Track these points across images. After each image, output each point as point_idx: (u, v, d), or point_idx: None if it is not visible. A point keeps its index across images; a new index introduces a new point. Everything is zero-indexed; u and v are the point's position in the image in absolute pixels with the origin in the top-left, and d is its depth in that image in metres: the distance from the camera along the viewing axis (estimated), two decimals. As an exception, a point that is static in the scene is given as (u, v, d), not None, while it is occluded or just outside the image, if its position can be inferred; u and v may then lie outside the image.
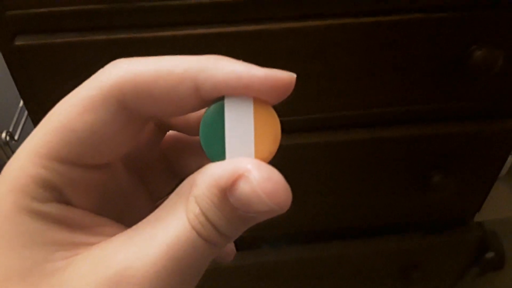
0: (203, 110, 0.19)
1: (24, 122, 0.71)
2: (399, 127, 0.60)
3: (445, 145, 0.62)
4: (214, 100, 0.18)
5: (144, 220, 0.18)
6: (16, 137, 0.70)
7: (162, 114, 0.18)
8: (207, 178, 0.17)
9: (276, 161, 0.18)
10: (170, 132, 0.24)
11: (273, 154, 0.18)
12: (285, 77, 0.17)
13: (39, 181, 0.17)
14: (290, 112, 0.56)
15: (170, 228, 0.17)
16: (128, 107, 0.17)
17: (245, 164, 0.16)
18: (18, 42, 0.47)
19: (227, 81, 0.17)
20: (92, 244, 0.18)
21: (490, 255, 0.83)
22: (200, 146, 0.18)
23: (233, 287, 0.76)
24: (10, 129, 0.70)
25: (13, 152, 0.71)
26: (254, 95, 0.17)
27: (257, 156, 0.18)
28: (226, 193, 0.16)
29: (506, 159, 0.66)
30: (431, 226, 0.77)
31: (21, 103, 0.70)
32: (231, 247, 0.24)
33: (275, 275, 0.78)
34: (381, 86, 0.56)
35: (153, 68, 0.17)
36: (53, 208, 0.17)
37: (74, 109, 0.17)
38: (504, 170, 0.88)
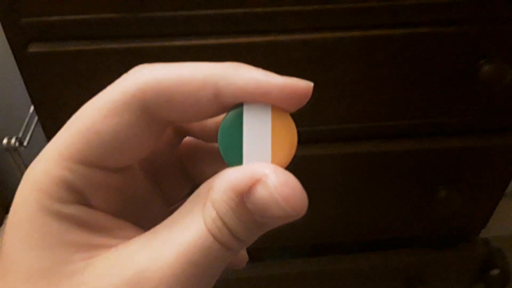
0: (220, 117, 0.19)
1: (34, 128, 0.71)
2: (406, 140, 0.60)
3: (452, 160, 0.62)
4: (233, 106, 0.18)
5: (162, 224, 0.18)
6: (25, 143, 0.70)
7: (183, 119, 0.19)
8: (224, 182, 0.17)
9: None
10: (187, 138, 0.24)
11: (290, 160, 0.18)
12: (302, 85, 0.18)
13: (62, 183, 0.17)
14: (296, 124, 0.56)
15: (187, 231, 0.17)
16: (150, 112, 0.18)
17: (263, 169, 0.17)
18: (32, 49, 0.48)
19: (246, 88, 0.17)
20: (111, 246, 0.18)
21: (495, 272, 0.82)
22: (216, 153, 0.19)
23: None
24: (20, 135, 0.70)
25: (22, 158, 0.72)
26: (272, 103, 0.18)
27: (274, 161, 0.18)
28: (243, 197, 0.17)
29: (512, 175, 0.66)
30: (436, 241, 0.76)
31: (31, 109, 0.71)
32: (243, 253, 0.24)
33: (281, 286, 0.78)
34: (389, 99, 0.56)
35: (175, 74, 0.18)
36: (74, 210, 0.18)
37: (98, 113, 0.18)
38: (511, 187, 0.88)
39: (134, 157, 0.19)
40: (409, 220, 0.70)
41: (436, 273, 0.79)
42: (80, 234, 0.18)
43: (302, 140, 0.63)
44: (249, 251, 0.25)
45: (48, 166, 0.17)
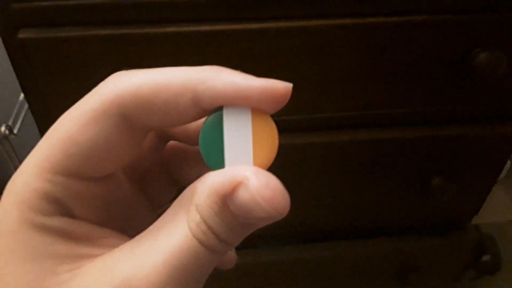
0: (202, 120, 0.19)
1: (24, 116, 0.70)
2: (400, 129, 0.60)
3: (445, 148, 0.62)
4: (213, 110, 0.18)
5: (147, 230, 0.18)
6: (15, 131, 0.69)
7: (163, 125, 0.19)
8: (207, 186, 0.17)
9: (276, 160, 0.19)
10: (171, 142, 0.24)
11: (271, 161, 0.18)
12: (281, 87, 0.17)
13: (43, 195, 0.17)
14: (291, 111, 0.56)
15: (172, 237, 0.17)
16: (130, 119, 0.18)
17: (244, 172, 0.17)
18: (22, 35, 0.47)
19: (225, 92, 0.17)
20: (96, 255, 0.18)
21: (486, 258, 0.83)
22: (200, 155, 0.18)
23: (230, 287, 0.76)
24: (10, 123, 0.69)
25: (12, 146, 0.71)
26: (251, 105, 0.18)
27: (255, 163, 0.18)
28: (226, 200, 0.17)
29: (505, 163, 0.66)
30: (428, 228, 0.77)
31: (21, 96, 0.70)
32: (231, 253, 0.25)
33: (272, 275, 0.78)
34: (383, 88, 0.56)
35: (153, 80, 0.17)
36: (57, 221, 0.18)
37: (76, 122, 0.18)
38: (502, 174, 0.88)
39: (116, 165, 0.19)
40: (401, 208, 0.71)
41: (428, 260, 0.80)
42: (65, 246, 0.18)
43: (296, 128, 0.63)
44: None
45: (28, 178, 0.17)
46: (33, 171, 0.17)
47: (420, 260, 0.79)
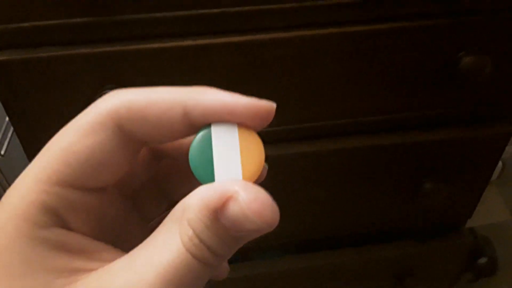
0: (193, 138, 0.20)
1: (11, 137, 0.70)
2: (389, 134, 0.60)
3: (435, 152, 0.62)
4: (201, 127, 0.19)
5: (140, 245, 0.18)
6: (2, 152, 0.69)
7: (155, 139, 0.20)
8: (198, 201, 0.17)
9: (267, 171, 0.20)
10: (164, 160, 0.25)
11: (259, 174, 0.19)
12: (265, 105, 0.19)
13: (40, 206, 0.18)
14: (279, 122, 0.56)
15: (165, 251, 0.17)
16: (124, 131, 0.19)
17: (233, 186, 0.17)
18: (2, 57, 0.47)
19: (213, 108, 0.18)
20: (90, 270, 0.18)
21: (483, 260, 0.83)
22: (191, 172, 0.19)
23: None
24: (-4, 145, 0.68)
25: (-1, 167, 0.70)
26: (238, 121, 0.19)
27: (244, 177, 0.19)
28: (217, 214, 0.17)
29: (496, 164, 0.66)
30: (424, 233, 0.77)
31: (7, 118, 0.69)
32: (224, 265, 0.25)
33: (267, 286, 0.78)
34: (370, 94, 0.56)
35: (146, 96, 0.19)
36: (53, 234, 0.18)
37: (74, 134, 0.18)
38: (494, 175, 0.88)
39: (111, 177, 0.20)
40: (395, 213, 0.70)
41: (425, 264, 0.79)
42: (60, 259, 0.18)
43: (285, 138, 0.63)
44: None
45: (24, 191, 0.18)
46: (29, 183, 0.18)
47: (416, 264, 0.79)
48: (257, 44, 0.49)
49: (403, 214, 0.71)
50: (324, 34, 0.50)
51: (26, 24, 0.46)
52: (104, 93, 0.20)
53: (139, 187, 0.24)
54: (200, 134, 0.19)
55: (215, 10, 0.47)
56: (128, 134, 0.19)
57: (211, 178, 0.19)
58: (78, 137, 0.18)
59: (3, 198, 0.18)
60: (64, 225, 0.19)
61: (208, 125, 0.19)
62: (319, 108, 0.56)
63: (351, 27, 0.50)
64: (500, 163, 0.88)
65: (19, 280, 0.17)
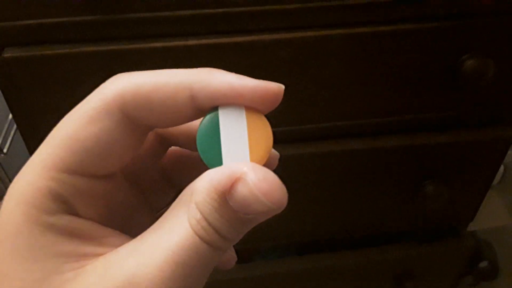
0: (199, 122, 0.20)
1: (13, 135, 0.70)
2: (391, 137, 0.60)
3: (437, 154, 0.62)
4: (209, 110, 0.19)
5: (149, 229, 0.18)
6: (5, 150, 0.69)
7: (162, 123, 0.19)
8: (206, 183, 0.17)
9: None
10: (171, 148, 0.25)
11: (267, 157, 0.19)
12: (274, 87, 0.19)
13: (48, 193, 0.18)
14: (282, 123, 0.56)
15: (173, 234, 0.17)
16: (130, 116, 0.18)
17: (241, 167, 0.17)
18: (6, 54, 0.47)
19: (220, 91, 0.18)
20: (99, 255, 0.18)
21: (483, 264, 0.83)
22: (199, 160, 0.19)
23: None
24: (-1, 142, 0.69)
25: (2, 165, 0.70)
26: (246, 104, 0.19)
27: (252, 159, 0.19)
28: (225, 196, 0.17)
29: (498, 167, 0.66)
30: (424, 236, 0.76)
31: (10, 115, 0.69)
32: (231, 253, 0.25)
33: (270, 286, 0.78)
34: (373, 96, 0.56)
35: (151, 80, 0.18)
36: (61, 220, 0.18)
37: (79, 121, 0.18)
38: (496, 179, 0.88)
39: (117, 163, 0.20)
40: (396, 215, 0.70)
41: (425, 267, 0.79)
42: (69, 244, 0.18)
43: (289, 139, 0.63)
44: (236, 252, 0.25)
45: (32, 177, 0.18)
46: (36, 170, 0.18)
47: (416, 267, 0.79)
48: (261, 45, 0.49)
49: (404, 217, 0.71)
50: (327, 35, 0.50)
51: (31, 22, 0.46)
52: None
53: (147, 175, 0.24)
54: (207, 117, 0.19)
55: (219, 10, 0.47)
56: (133, 119, 0.19)
57: (218, 162, 0.19)
58: (83, 123, 0.18)
59: (11, 185, 0.18)
60: (72, 211, 0.19)
61: (215, 108, 0.19)
62: (320, 109, 0.56)
63: (355, 28, 0.50)
64: (501, 168, 0.88)
65: (28, 264, 0.17)
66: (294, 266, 0.75)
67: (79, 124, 0.18)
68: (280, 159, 0.24)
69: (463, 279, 0.85)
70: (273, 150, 0.22)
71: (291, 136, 0.58)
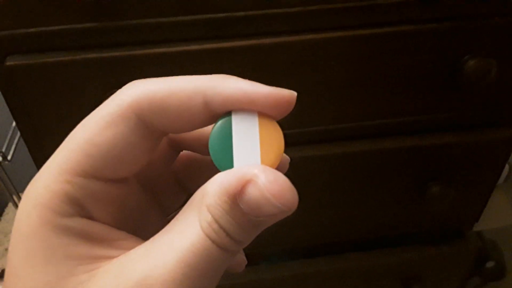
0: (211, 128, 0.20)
1: (17, 143, 0.70)
2: (395, 138, 0.60)
3: (442, 156, 0.62)
4: (222, 115, 0.19)
5: (160, 232, 0.19)
6: (9, 158, 0.69)
7: (176, 129, 0.20)
8: (217, 186, 0.18)
9: None
10: (183, 153, 0.25)
11: (278, 162, 0.19)
12: (286, 94, 0.19)
13: (63, 196, 0.18)
14: (286, 126, 0.56)
15: (185, 237, 0.17)
16: (145, 122, 0.19)
17: (252, 170, 0.18)
18: (9, 62, 0.47)
19: (234, 97, 0.19)
20: (112, 257, 0.18)
21: (490, 264, 0.82)
22: (211, 164, 0.19)
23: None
24: (3, 150, 0.69)
25: (6, 172, 0.70)
26: (258, 110, 0.19)
27: (263, 163, 0.19)
28: (236, 199, 0.17)
29: (503, 167, 0.66)
30: (430, 237, 0.76)
31: (14, 123, 0.69)
32: (242, 257, 0.25)
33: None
34: (376, 98, 0.56)
35: (166, 86, 0.19)
36: (76, 223, 0.18)
37: (95, 126, 0.19)
38: (501, 179, 0.88)
39: (132, 168, 0.20)
40: (401, 217, 0.70)
41: (431, 269, 0.79)
42: (83, 247, 0.18)
43: (293, 142, 0.62)
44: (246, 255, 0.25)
45: (48, 181, 0.18)
46: (52, 173, 0.18)
47: (423, 269, 0.79)
48: (263, 49, 0.49)
49: (409, 219, 0.70)
50: (329, 38, 0.50)
51: (32, 30, 0.46)
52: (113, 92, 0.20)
53: (159, 179, 0.24)
54: (220, 122, 0.19)
55: (221, 15, 0.47)
56: (148, 125, 0.19)
57: (230, 165, 0.19)
58: (99, 128, 0.18)
59: (27, 188, 0.19)
60: (87, 215, 0.19)
61: (228, 113, 0.19)
62: (324, 112, 0.56)
63: (356, 31, 0.50)
64: (506, 167, 0.87)
65: (42, 266, 0.17)
66: (300, 269, 0.75)
67: (95, 129, 0.18)
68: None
69: (470, 280, 0.85)
70: (284, 154, 0.23)
71: (293, 139, 0.58)
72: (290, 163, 0.24)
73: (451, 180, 0.63)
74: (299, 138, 0.59)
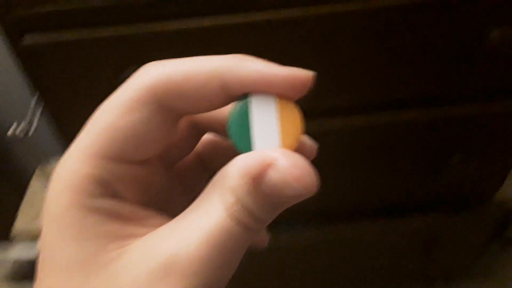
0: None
1: (38, 119, 0.71)
2: (419, 110, 0.60)
3: (465, 127, 0.61)
4: (240, 96, 0.19)
5: (185, 211, 0.19)
6: (30, 133, 0.70)
7: (194, 111, 0.20)
8: (239, 168, 0.18)
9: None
10: (206, 135, 0.26)
11: (297, 143, 0.20)
12: (303, 75, 0.19)
13: (91, 179, 0.19)
14: (309, 99, 0.55)
15: (209, 217, 0.18)
16: (164, 105, 0.19)
17: (273, 154, 0.18)
18: (27, 41, 0.47)
19: (251, 79, 0.19)
20: (141, 235, 0.19)
21: (510, 231, 0.82)
22: (232, 146, 0.20)
23: (245, 268, 0.77)
24: (25, 125, 0.70)
25: (26, 147, 0.72)
26: (276, 92, 0.19)
27: (282, 146, 0.19)
28: (257, 181, 0.18)
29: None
30: (451, 205, 0.76)
31: (34, 99, 0.70)
32: (265, 232, 0.26)
33: (292, 258, 0.79)
34: (399, 70, 0.55)
35: (183, 69, 0.19)
36: (105, 203, 0.19)
37: (116, 111, 0.19)
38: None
39: (154, 150, 0.21)
40: (424, 186, 0.70)
41: (452, 236, 0.79)
42: (112, 225, 0.19)
43: (316, 115, 0.62)
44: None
45: (76, 164, 0.19)
46: (79, 157, 0.19)
47: (443, 236, 0.79)
48: (277, 24, 0.49)
49: (431, 188, 0.70)
50: (348, 11, 0.49)
51: (49, 8, 0.46)
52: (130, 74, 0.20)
53: (181, 160, 0.25)
54: (239, 104, 0.19)
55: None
56: (167, 107, 0.19)
57: (249, 147, 0.19)
58: (120, 114, 0.19)
59: (55, 173, 0.19)
60: (115, 195, 0.20)
61: (246, 95, 0.19)
62: (347, 84, 0.56)
63: (374, 2, 0.49)
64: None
65: (75, 244, 0.18)
66: (318, 237, 0.76)
67: (116, 114, 0.19)
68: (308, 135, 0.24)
69: (490, 247, 0.85)
70: (310, 141, 0.23)
71: (317, 112, 0.58)
72: (314, 136, 0.24)
73: (473, 151, 0.63)
74: (321, 111, 0.58)
